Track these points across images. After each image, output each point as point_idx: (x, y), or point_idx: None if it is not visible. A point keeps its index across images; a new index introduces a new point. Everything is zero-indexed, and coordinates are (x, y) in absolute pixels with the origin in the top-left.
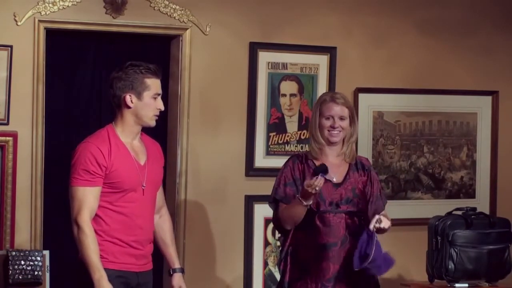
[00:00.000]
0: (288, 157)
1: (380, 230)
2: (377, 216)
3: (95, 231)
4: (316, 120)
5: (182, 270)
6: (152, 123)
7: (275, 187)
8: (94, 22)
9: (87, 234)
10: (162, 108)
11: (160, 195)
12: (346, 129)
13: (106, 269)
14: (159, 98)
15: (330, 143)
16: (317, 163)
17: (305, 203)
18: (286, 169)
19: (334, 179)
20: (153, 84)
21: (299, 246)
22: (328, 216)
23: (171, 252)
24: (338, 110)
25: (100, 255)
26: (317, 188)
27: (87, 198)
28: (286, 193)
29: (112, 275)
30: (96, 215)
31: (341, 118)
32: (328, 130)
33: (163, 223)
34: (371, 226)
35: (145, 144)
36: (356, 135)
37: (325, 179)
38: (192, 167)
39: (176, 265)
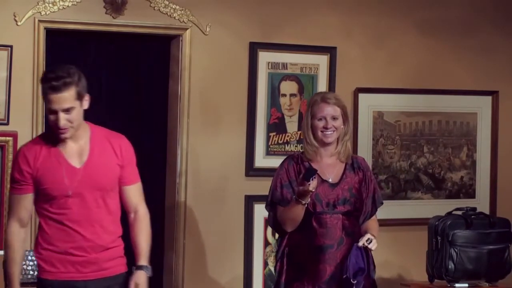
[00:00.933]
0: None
1: (367, 248)
2: (368, 235)
3: (38, 241)
4: (308, 122)
5: (146, 269)
6: (59, 136)
7: (272, 189)
8: (94, 22)
9: (8, 245)
10: (58, 125)
11: (131, 194)
12: (339, 128)
13: (45, 280)
14: (59, 114)
15: (325, 144)
16: (313, 164)
17: (302, 202)
18: (281, 171)
19: (330, 180)
20: (49, 99)
21: (295, 248)
22: (324, 217)
23: (138, 251)
24: (330, 110)
25: (40, 265)
26: (312, 190)
27: (15, 206)
28: (283, 195)
29: (52, 285)
30: (39, 222)
31: (334, 118)
32: (322, 131)
33: (134, 223)
34: (361, 243)
35: (93, 143)
36: (350, 134)
37: (322, 179)
38: (192, 167)
39: (141, 262)
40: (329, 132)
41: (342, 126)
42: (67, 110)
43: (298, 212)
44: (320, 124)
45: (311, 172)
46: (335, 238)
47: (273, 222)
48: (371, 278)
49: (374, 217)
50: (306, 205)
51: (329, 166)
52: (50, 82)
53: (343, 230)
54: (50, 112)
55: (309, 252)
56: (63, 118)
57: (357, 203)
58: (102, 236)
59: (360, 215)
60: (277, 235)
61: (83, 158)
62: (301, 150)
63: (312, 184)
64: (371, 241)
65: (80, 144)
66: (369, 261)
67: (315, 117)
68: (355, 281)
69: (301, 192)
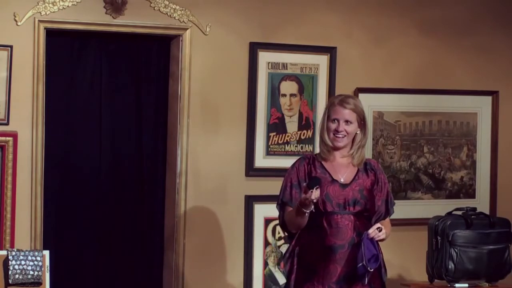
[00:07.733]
0: (288, 157)
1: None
2: (378, 224)
3: None
4: (324, 122)
5: None
6: None
7: (282, 189)
8: (94, 22)
9: None
10: None
11: None
12: (351, 133)
13: None
14: None
15: (336, 148)
16: (325, 164)
17: (305, 210)
18: (292, 170)
19: (342, 180)
20: None
21: (305, 247)
22: (336, 218)
23: None
24: (345, 114)
25: None
26: (314, 200)
27: None
28: (291, 195)
29: None
30: None
31: (347, 122)
32: (333, 134)
33: None
34: (370, 231)
35: None
36: (366, 140)
37: (333, 179)
38: (192, 167)
39: None
40: (340, 136)
41: (357, 132)
42: None
43: (300, 218)
44: (333, 126)
45: (315, 181)
46: (346, 239)
47: (282, 221)
48: (382, 281)
49: (387, 219)
50: (308, 214)
51: (342, 166)
52: None
53: (354, 231)
54: None
55: (320, 252)
56: None
57: (367, 204)
58: None
59: (371, 215)
60: (277, 235)
61: None
62: (301, 151)
63: (314, 194)
64: (381, 230)
65: None
66: (379, 248)
67: (330, 118)
68: (371, 268)
69: (302, 200)
